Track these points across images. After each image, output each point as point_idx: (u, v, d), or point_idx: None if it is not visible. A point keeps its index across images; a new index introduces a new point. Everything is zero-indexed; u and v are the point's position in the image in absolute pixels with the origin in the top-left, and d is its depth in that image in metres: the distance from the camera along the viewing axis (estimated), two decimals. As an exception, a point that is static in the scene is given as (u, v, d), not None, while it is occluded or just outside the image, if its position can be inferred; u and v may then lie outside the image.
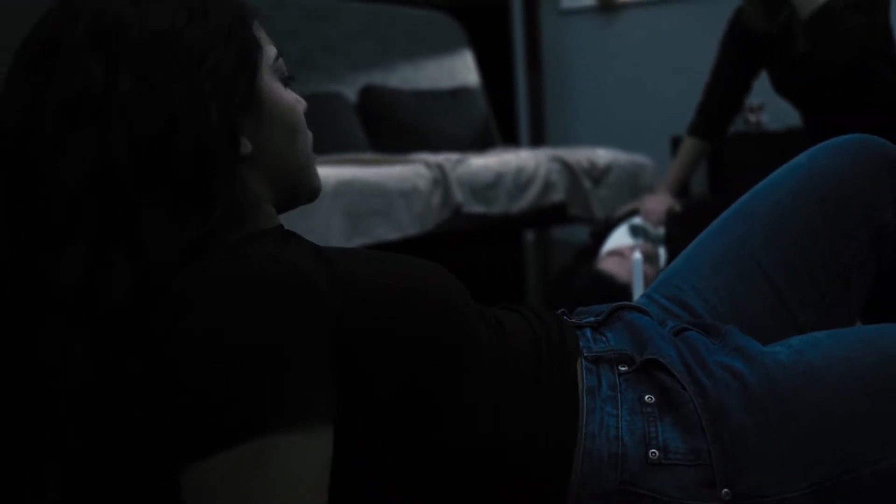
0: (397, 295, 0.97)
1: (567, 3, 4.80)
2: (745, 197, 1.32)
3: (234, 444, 0.81)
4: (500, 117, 4.44)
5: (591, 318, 1.16)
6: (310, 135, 1.07)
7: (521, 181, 3.39)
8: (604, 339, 1.11)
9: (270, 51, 1.04)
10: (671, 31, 4.52)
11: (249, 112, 0.98)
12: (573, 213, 3.58)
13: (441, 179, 3.13)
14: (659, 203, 3.03)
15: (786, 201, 1.26)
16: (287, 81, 1.06)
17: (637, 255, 2.13)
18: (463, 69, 4.33)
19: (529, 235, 4.23)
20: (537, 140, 4.59)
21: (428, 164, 3.14)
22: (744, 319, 1.19)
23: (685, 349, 1.07)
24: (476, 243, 3.71)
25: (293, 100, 1.05)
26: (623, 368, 1.05)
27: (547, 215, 3.59)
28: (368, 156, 3.46)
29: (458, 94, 4.16)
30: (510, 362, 1.03)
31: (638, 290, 2.24)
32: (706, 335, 1.12)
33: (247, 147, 0.98)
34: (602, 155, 3.72)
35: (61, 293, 0.87)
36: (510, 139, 4.52)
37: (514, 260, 4.17)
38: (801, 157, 1.31)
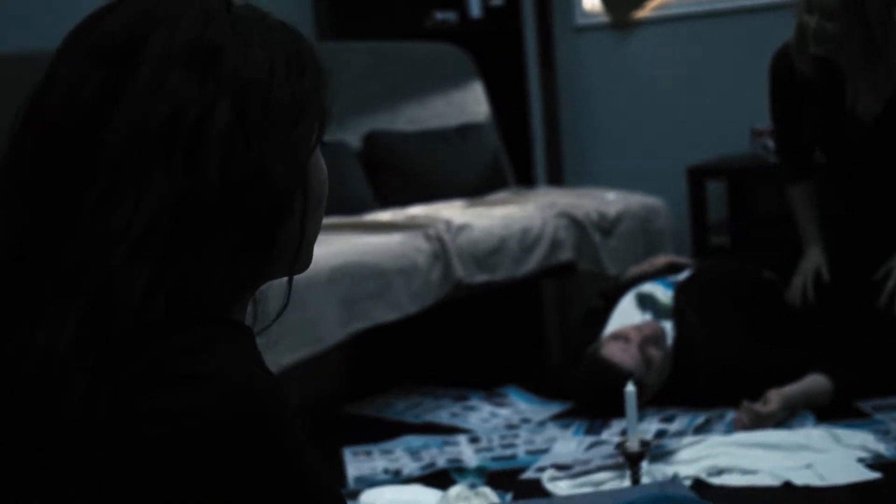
0: None
1: (581, 20, 4.66)
2: None
3: None
4: (512, 149, 4.31)
5: None
6: None
7: (526, 243, 3.28)
8: None
9: None
10: (689, 48, 4.38)
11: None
12: (583, 269, 3.48)
13: (441, 253, 3.04)
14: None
15: None
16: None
17: (630, 388, 2.05)
18: (472, 102, 4.20)
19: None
20: (554, 175, 4.44)
21: (427, 236, 3.05)
22: None
23: None
24: (481, 309, 3.62)
25: (325, 170, 0.97)
26: None
27: (555, 273, 3.49)
28: (368, 219, 3.37)
29: (466, 132, 4.03)
30: None
31: (632, 421, 2.15)
32: None
33: None
34: (612, 202, 3.60)
35: (124, 297, 0.81)
36: (524, 175, 4.37)
37: (529, 310, 4.06)
38: None
